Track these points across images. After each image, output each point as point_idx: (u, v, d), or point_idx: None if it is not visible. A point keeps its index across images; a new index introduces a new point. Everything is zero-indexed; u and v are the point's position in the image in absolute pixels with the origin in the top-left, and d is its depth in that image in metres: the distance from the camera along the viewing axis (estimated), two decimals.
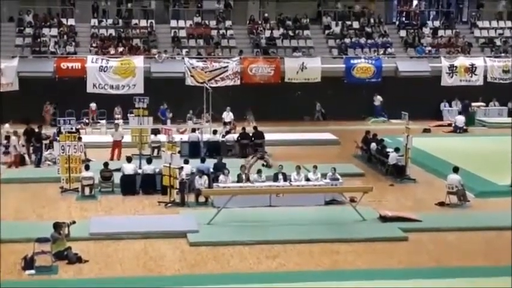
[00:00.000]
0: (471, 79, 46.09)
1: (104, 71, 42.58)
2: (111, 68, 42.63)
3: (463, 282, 17.77)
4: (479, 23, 50.21)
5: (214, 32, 46.72)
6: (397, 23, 50.30)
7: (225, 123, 37.32)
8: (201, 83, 40.91)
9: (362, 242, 21.07)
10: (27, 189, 26.97)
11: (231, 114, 38.82)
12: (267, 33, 46.90)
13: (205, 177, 25.71)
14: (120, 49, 44.18)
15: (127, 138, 32.07)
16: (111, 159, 31.33)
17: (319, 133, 39.20)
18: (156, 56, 43.55)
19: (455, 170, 25.91)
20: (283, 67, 44.37)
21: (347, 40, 47.07)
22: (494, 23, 50.23)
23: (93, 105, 41.36)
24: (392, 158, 29.63)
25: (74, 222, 19.99)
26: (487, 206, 25.42)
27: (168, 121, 39.06)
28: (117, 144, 32.48)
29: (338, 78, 44.38)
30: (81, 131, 34.67)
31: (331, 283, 17.73)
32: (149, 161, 27.49)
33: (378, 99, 44.69)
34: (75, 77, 42.10)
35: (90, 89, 42.35)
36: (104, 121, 40.44)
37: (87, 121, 40.39)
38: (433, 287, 17.51)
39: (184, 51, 44.79)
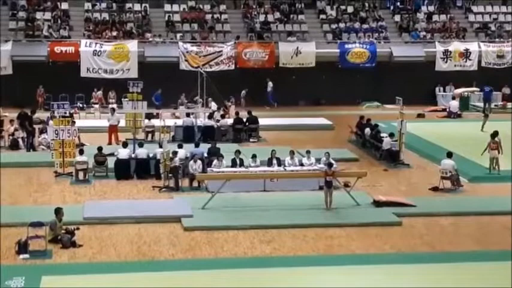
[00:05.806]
0: (465, 64, 46.03)
1: (98, 55, 42.43)
2: (105, 52, 42.48)
3: (456, 267, 17.82)
4: (474, 8, 50.16)
5: (208, 16, 46.56)
6: (392, 7, 50.12)
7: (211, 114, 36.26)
8: (196, 67, 40.78)
9: (356, 227, 21.12)
10: (21, 174, 26.88)
11: (213, 103, 37.91)
12: (262, 18, 46.78)
13: (199, 161, 25.68)
14: (114, 33, 44.03)
15: (121, 123, 31.98)
16: (109, 143, 31.33)
17: (314, 118, 39.21)
18: (149, 38, 43.42)
19: (449, 155, 25.91)
20: (277, 52, 44.25)
21: (341, 25, 46.97)
22: (488, 8, 50.17)
23: (99, 93, 41.30)
24: (387, 143, 29.65)
25: (77, 229, 19.74)
26: (480, 191, 25.48)
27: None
28: (113, 129, 32.44)
29: (332, 63, 44.31)
30: (74, 115, 34.58)
31: (325, 268, 17.76)
32: (140, 145, 27.47)
33: (269, 85, 43.78)
34: (69, 61, 41.93)
35: (84, 73, 42.24)
36: (97, 105, 40.37)
37: (81, 105, 40.29)
38: (427, 271, 17.54)
39: (178, 35, 44.66)
